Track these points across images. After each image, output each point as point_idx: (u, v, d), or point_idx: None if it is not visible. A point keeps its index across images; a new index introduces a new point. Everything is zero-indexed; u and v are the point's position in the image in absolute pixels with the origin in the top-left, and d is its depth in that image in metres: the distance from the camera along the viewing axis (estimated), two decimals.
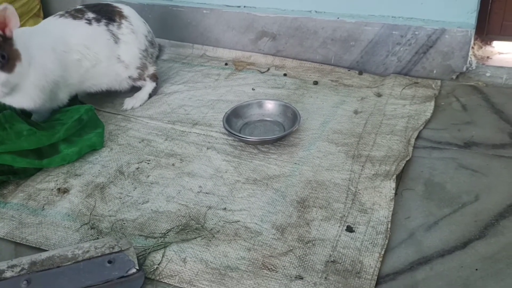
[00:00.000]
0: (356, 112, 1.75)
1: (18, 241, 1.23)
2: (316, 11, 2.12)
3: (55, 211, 1.33)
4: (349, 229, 1.21)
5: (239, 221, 1.26)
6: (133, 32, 1.76)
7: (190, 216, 1.28)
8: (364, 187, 1.36)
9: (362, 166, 1.45)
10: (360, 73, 2.05)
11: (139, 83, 1.87)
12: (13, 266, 1.07)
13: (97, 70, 1.70)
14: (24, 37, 1.49)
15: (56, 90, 1.61)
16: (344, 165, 1.46)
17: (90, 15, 1.70)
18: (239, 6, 2.25)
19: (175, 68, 2.18)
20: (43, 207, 1.35)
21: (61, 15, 1.69)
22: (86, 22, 1.67)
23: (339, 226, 1.23)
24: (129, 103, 1.84)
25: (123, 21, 1.74)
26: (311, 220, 1.25)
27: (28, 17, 2.35)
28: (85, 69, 1.67)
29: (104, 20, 1.70)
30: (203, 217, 1.28)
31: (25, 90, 1.49)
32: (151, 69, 1.88)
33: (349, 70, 2.08)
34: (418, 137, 1.58)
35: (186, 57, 2.30)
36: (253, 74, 2.09)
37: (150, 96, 1.90)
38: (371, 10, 2.02)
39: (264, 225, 1.24)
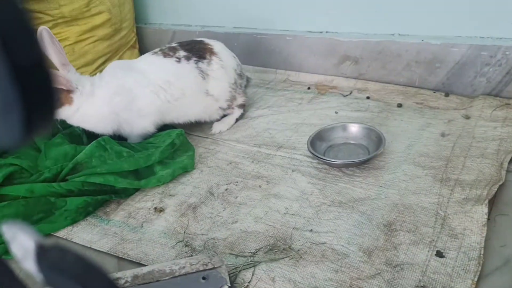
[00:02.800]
0: (443, 134, 1.72)
1: (121, 256, 1.33)
2: (399, 34, 2.11)
3: (153, 228, 1.43)
4: (439, 254, 1.19)
5: (325, 242, 1.28)
6: (223, 67, 1.86)
7: (277, 237, 1.32)
8: (454, 211, 1.33)
9: (451, 190, 1.42)
10: (447, 95, 2.01)
11: (228, 112, 1.97)
12: (117, 279, 1.17)
13: (180, 103, 1.80)
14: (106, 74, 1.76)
15: (131, 122, 1.76)
16: (432, 188, 1.44)
17: (182, 53, 1.81)
18: (321, 32, 2.30)
19: (259, 93, 2.26)
20: (142, 224, 1.45)
21: (154, 52, 1.83)
22: (175, 60, 1.79)
23: (428, 251, 1.21)
24: (217, 127, 1.94)
25: (213, 57, 1.84)
26: (398, 244, 1.24)
27: (125, 49, 2.55)
28: (164, 102, 1.76)
29: (194, 58, 1.81)
30: (290, 238, 1.32)
31: (87, 115, 1.71)
32: (240, 100, 1.98)
33: (434, 92, 2.04)
34: (511, 161, 1.52)
35: (269, 82, 2.38)
36: (336, 97, 2.12)
37: (237, 120, 1.99)
38: (457, 31, 1.99)
39: (351, 247, 1.25)
